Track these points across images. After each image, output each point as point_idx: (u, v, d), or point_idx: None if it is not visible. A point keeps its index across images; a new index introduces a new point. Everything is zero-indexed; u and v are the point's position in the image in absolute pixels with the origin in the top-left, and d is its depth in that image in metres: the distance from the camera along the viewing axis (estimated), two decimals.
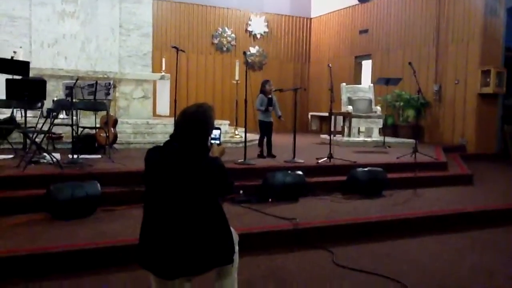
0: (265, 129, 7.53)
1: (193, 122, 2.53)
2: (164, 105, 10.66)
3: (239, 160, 6.65)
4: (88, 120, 7.74)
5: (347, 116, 10.51)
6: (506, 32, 10.39)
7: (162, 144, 2.61)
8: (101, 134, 7.22)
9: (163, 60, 11.18)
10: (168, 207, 2.44)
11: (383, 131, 10.67)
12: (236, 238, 2.74)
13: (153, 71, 11.42)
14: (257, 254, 4.07)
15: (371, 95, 11.01)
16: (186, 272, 2.45)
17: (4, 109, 7.72)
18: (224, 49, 14.36)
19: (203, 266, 2.48)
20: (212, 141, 2.82)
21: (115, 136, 7.57)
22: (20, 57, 9.07)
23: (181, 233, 2.42)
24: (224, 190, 2.63)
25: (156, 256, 2.43)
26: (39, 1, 10.50)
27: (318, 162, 6.98)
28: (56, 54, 10.68)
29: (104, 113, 7.29)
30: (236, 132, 9.41)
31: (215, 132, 2.88)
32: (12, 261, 3.48)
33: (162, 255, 2.42)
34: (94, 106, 7.02)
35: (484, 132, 10.39)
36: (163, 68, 11.00)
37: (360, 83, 13.45)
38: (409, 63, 8.35)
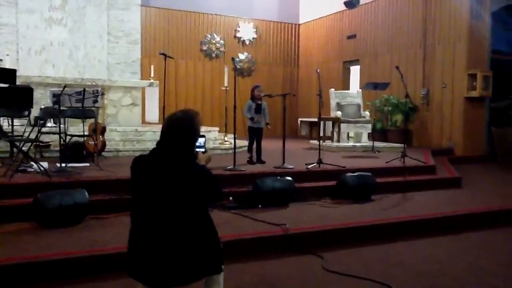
0: (255, 135, 7.53)
1: (179, 128, 2.52)
2: (153, 112, 10.63)
3: (229, 167, 6.63)
4: (76, 128, 7.69)
5: (336, 122, 10.55)
6: (492, 35, 10.54)
7: (148, 152, 2.59)
8: (90, 142, 7.18)
9: (152, 67, 11.17)
10: (155, 216, 2.42)
11: (372, 136, 10.73)
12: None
13: (142, 78, 11.40)
14: (247, 260, 4.06)
15: (359, 100, 11.07)
16: (176, 282, 2.43)
17: None
18: (213, 55, 14.37)
19: (192, 276, 2.47)
20: (197, 149, 2.79)
21: (104, 144, 7.52)
22: (7, 64, 9.01)
23: (170, 242, 2.39)
24: (213, 197, 2.61)
25: (145, 266, 2.41)
26: (26, 8, 10.44)
27: (307, 168, 6.99)
28: (43, 62, 10.63)
29: (92, 120, 7.25)
30: (226, 139, 9.40)
31: (200, 140, 2.85)
32: (1, 271, 3.44)
33: (151, 265, 2.39)
34: (82, 114, 6.97)
35: (472, 135, 10.48)
36: (152, 75, 10.98)
37: (349, 88, 13.52)
38: (397, 67, 8.41)
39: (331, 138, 10.80)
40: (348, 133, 10.80)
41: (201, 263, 2.47)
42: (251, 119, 7.41)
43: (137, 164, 2.55)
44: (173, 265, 2.39)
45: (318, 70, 7.98)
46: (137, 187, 2.50)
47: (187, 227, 2.43)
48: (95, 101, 6.83)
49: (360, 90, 11.35)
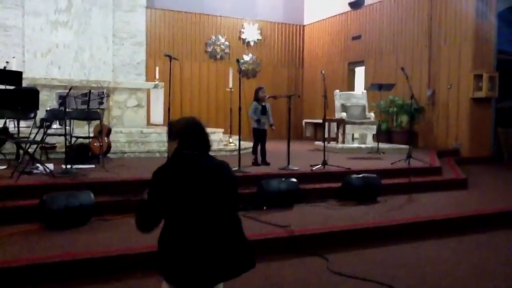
0: (259, 137, 7.53)
1: (202, 129, 2.64)
2: (158, 114, 10.66)
3: (234, 168, 6.63)
4: (82, 130, 7.73)
5: (341, 123, 10.54)
6: (498, 35, 10.50)
7: (169, 161, 2.62)
8: (95, 144, 7.20)
9: (157, 68, 11.19)
10: (212, 217, 2.47)
11: (377, 137, 10.71)
12: None
13: (146, 80, 11.43)
14: None
15: (364, 101, 11.05)
16: (230, 276, 2.51)
17: None
18: (218, 57, 14.39)
19: (242, 269, 2.55)
20: None
21: (109, 146, 7.54)
22: (13, 67, 9.05)
23: (227, 240, 2.48)
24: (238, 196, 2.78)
25: (219, 266, 2.43)
26: (32, 10, 10.50)
27: (312, 169, 6.98)
28: (49, 64, 10.68)
29: (97, 122, 7.27)
30: (230, 140, 9.41)
31: None
32: (7, 272, 3.45)
33: (223, 263, 2.45)
34: (88, 116, 7.01)
35: (478, 135, 10.44)
36: (157, 76, 11.01)
37: (354, 90, 13.50)
38: (402, 69, 8.39)
39: (336, 140, 10.78)
40: (353, 135, 10.78)
41: (248, 257, 2.57)
42: (258, 121, 7.42)
43: (173, 172, 2.47)
44: (231, 260, 2.48)
45: (323, 71, 7.97)
46: (185, 194, 2.43)
47: (235, 223, 2.57)
48: (101, 103, 6.86)
49: (365, 91, 11.33)
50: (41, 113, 7.48)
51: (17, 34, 10.39)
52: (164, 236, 2.45)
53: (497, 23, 10.45)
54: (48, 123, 7.10)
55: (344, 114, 10.56)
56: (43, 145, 6.97)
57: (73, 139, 6.85)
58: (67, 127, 6.27)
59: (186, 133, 2.60)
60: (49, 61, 10.68)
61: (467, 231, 5.22)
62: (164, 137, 7.88)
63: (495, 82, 10.21)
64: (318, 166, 7.07)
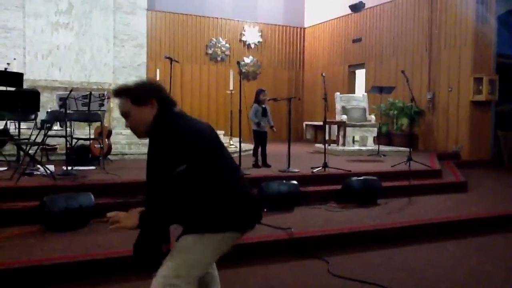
0: (260, 139, 7.54)
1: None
2: None
3: None
4: (82, 131, 7.73)
5: (341, 125, 10.54)
6: (498, 39, 10.51)
7: (171, 123, 2.30)
8: (95, 145, 7.21)
9: (158, 70, 11.20)
10: (235, 164, 2.51)
11: (378, 140, 10.71)
12: None
13: None
14: (252, 264, 4.06)
15: (365, 104, 11.06)
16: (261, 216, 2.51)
17: None
18: (218, 59, 14.40)
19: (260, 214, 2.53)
20: None
21: (110, 147, 7.55)
22: (14, 68, 9.06)
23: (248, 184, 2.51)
24: None
25: (257, 209, 2.45)
26: (33, 12, 10.51)
27: (313, 172, 6.98)
28: (50, 65, 10.68)
29: (98, 124, 7.27)
30: (231, 142, 9.41)
31: None
32: (6, 274, 3.46)
33: (257, 207, 2.47)
34: (88, 117, 7.01)
35: (478, 139, 10.44)
36: (158, 78, 11.01)
37: (354, 92, 13.51)
38: (402, 72, 8.40)
39: (336, 142, 10.78)
40: (353, 137, 10.78)
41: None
42: (258, 124, 7.43)
43: (199, 127, 2.34)
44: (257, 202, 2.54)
45: (323, 73, 7.98)
46: (216, 146, 2.40)
47: None
48: (101, 105, 6.86)
49: (366, 93, 11.34)
50: (41, 115, 7.50)
51: (18, 35, 10.39)
52: (201, 198, 2.21)
53: (497, 26, 10.46)
54: (48, 125, 7.10)
55: (344, 117, 10.56)
56: (44, 146, 6.97)
57: (74, 141, 6.85)
58: (67, 129, 6.27)
59: (161, 90, 2.37)
60: (50, 63, 10.68)
61: (467, 234, 5.22)
62: None
63: (495, 85, 10.21)
64: (318, 169, 7.07)
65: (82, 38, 10.96)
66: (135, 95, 2.30)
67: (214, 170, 2.25)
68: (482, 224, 5.55)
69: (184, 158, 2.15)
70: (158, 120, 2.28)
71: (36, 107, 6.37)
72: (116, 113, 9.49)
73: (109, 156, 7.55)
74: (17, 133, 6.77)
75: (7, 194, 5.02)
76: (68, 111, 6.42)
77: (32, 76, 9.78)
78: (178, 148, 2.16)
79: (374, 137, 10.67)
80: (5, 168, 6.31)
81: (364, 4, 12.80)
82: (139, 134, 2.37)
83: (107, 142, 7.39)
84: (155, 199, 2.22)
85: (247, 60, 14.74)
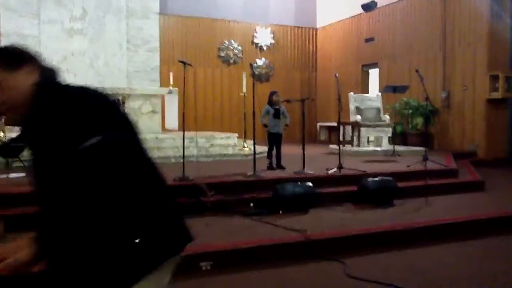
0: (274, 141, 7.53)
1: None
2: (172, 120, 10.70)
3: (249, 173, 6.64)
4: None
5: (355, 126, 10.49)
6: None
7: (63, 101, 1.64)
8: None
9: (171, 74, 11.26)
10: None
11: (393, 140, 10.63)
12: None
13: (161, 86, 11.49)
14: (268, 267, 4.05)
15: (379, 104, 10.99)
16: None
17: (15, 127, 7.77)
18: (231, 61, 14.44)
19: None
20: None
21: None
22: None
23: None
24: None
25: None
26: (47, 19, 10.64)
27: (328, 173, 6.96)
28: (65, 71, 10.73)
29: None
30: (245, 145, 9.41)
31: None
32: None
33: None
34: None
35: (494, 137, 10.32)
36: (171, 82, 11.07)
37: (368, 92, 13.44)
38: (416, 71, 8.34)
39: (351, 143, 10.73)
40: (368, 137, 10.73)
41: None
42: (265, 126, 7.44)
43: (120, 114, 1.73)
44: None
45: (336, 74, 7.95)
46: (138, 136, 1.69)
47: None
48: None
49: (380, 93, 11.27)
50: None
51: (33, 42, 10.52)
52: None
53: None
54: None
55: (358, 117, 10.51)
56: None
57: None
58: None
59: (39, 56, 1.76)
60: (65, 69, 10.77)
61: (485, 235, 5.14)
62: (179, 142, 7.62)
63: (511, 83, 10.08)
64: (333, 170, 7.04)
65: (96, 44, 11.06)
66: (4, 56, 1.64)
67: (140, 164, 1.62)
68: (501, 224, 5.45)
69: (99, 129, 1.51)
70: (41, 89, 1.62)
71: None
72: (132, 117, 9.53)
73: None
74: None
75: (28, 199, 5.06)
76: None
77: None
78: (85, 119, 1.50)
79: (389, 137, 10.59)
80: (24, 174, 6.38)
81: (376, 3, 12.75)
82: (12, 115, 1.71)
83: None
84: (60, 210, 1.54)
85: (260, 62, 14.75)
